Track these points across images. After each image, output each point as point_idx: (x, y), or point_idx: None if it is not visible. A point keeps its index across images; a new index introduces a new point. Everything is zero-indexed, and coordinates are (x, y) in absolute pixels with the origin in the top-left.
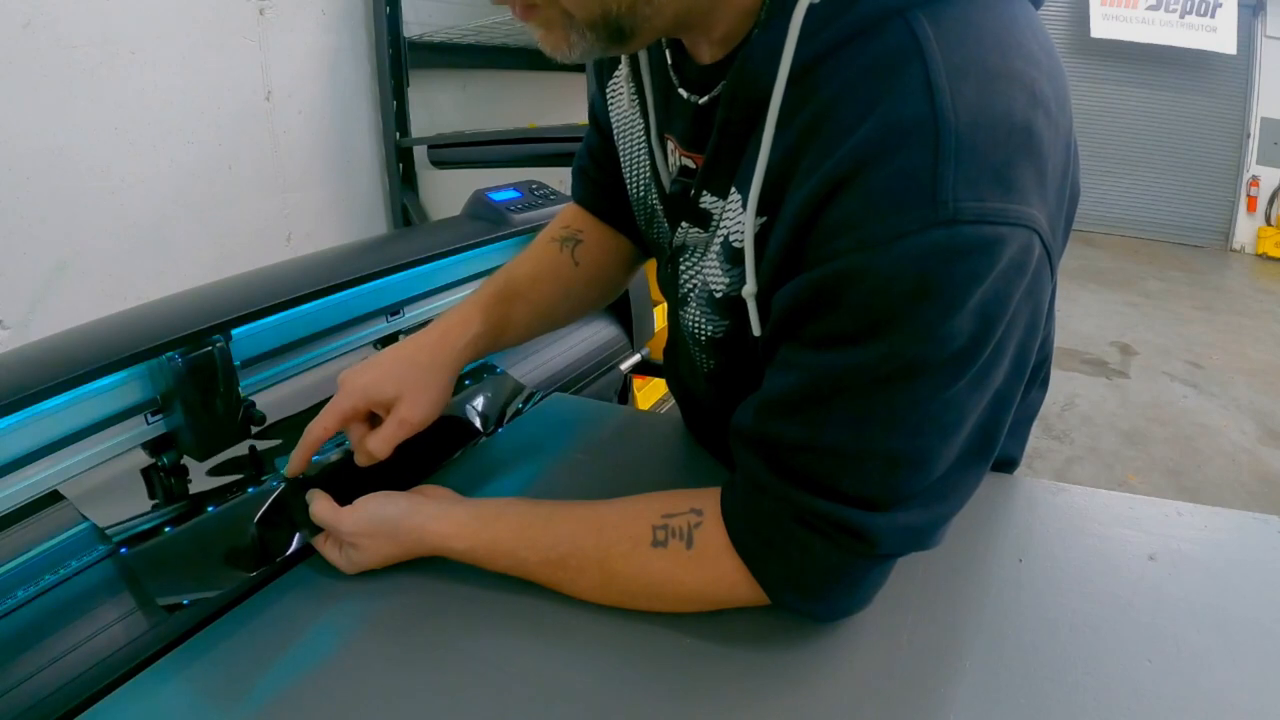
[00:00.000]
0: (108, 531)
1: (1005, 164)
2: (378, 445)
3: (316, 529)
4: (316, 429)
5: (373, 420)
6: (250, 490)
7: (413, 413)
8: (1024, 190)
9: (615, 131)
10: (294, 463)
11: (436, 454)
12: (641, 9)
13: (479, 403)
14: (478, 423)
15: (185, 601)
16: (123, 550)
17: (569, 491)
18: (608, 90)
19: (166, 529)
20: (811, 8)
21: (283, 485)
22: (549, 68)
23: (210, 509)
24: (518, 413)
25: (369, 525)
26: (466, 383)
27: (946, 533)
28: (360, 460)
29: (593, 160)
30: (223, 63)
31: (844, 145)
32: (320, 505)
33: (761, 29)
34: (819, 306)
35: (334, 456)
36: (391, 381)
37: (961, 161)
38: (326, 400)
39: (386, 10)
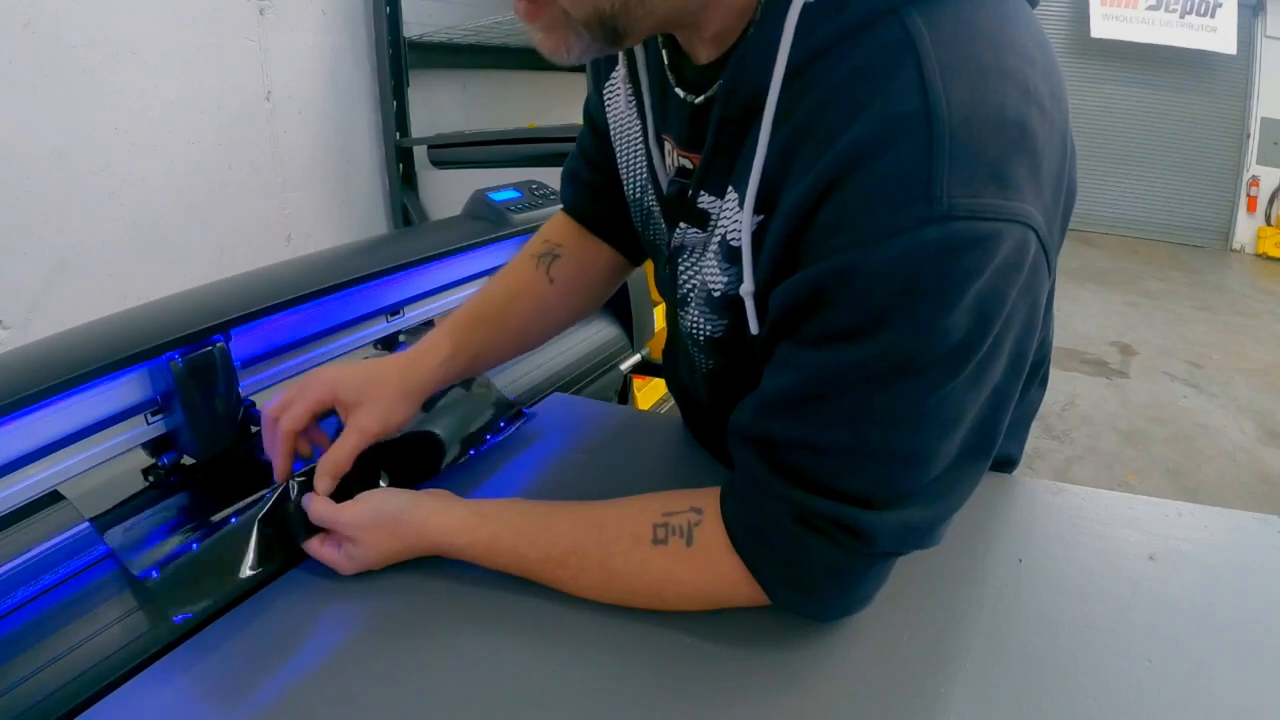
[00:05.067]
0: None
1: (999, 160)
2: (340, 455)
3: (312, 530)
4: (286, 423)
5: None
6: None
7: (370, 423)
8: (1019, 187)
9: (612, 133)
10: (278, 467)
11: (420, 470)
12: (634, 9)
13: (459, 424)
14: (457, 447)
15: (193, 615)
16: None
17: (569, 491)
18: (605, 91)
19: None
20: (806, 6)
21: (276, 493)
22: (549, 68)
23: (223, 519)
24: (505, 422)
25: (370, 518)
26: (462, 390)
27: (946, 531)
28: (322, 473)
29: (586, 161)
30: (223, 63)
31: (838, 143)
32: (319, 502)
33: (756, 28)
34: (815, 304)
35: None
36: (356, 385)
37: (955, 158)
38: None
39: (386, 10)
